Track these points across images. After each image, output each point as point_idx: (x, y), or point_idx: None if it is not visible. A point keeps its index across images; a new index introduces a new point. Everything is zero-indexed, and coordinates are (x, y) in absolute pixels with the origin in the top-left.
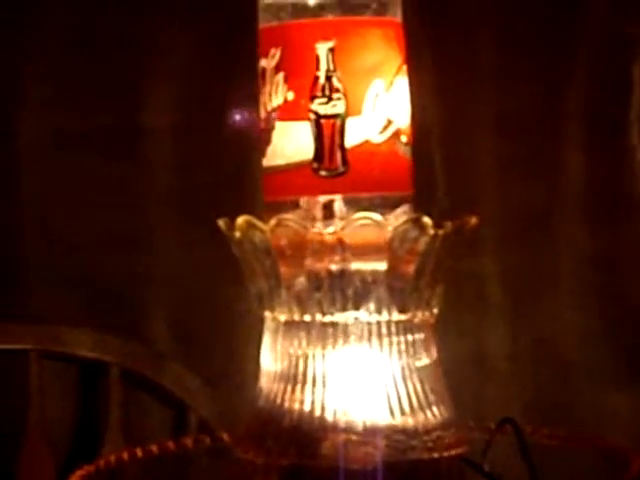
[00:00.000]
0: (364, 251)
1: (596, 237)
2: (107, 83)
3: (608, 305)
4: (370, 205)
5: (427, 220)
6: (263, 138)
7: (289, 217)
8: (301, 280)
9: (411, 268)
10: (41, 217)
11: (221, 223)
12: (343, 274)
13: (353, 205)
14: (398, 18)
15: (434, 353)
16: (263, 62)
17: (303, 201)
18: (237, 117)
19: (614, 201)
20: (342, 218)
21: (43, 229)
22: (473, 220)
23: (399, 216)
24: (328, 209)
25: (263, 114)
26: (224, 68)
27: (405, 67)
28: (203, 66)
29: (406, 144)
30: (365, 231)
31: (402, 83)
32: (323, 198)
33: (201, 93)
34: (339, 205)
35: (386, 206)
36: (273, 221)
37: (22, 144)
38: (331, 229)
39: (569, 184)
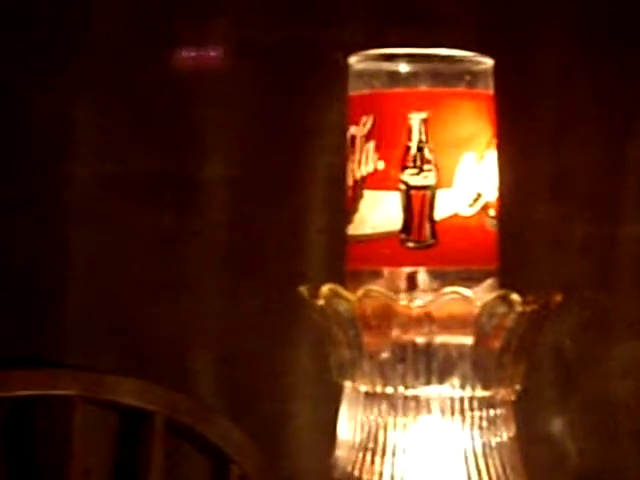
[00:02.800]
0: (450, 325)
1: None
2: (155, 130)
3: None
4: (456, 278)
5: (516, 297)
6: (350, 206)
7: (377, 288)
8: (385, 351)
9: (496, 344)
10: (89, 264)
11: (303, 290)
12: (428, 348)
13: (437, 277)
14: (490, 90)
15: (513, 429)
16: (353, 129)
17: (386, 271)
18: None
19: None
20: (426, 290)
21: (91, 276)
22: (558, 297)
23: (485, 290)
24: (412, 280)
25: (351, 182)
26: (282, 119)
27: (495, 140)
28: (261, 118)
29: (493, 217)
30: (453, 305)
31: (492, 156)
32: (408, 269)
33: (258, 146)
34: (423, 277)
35: (472, 279)
36: (360, 291)
37: (72, 191)
38: (419, 302)
39: (624, 256)
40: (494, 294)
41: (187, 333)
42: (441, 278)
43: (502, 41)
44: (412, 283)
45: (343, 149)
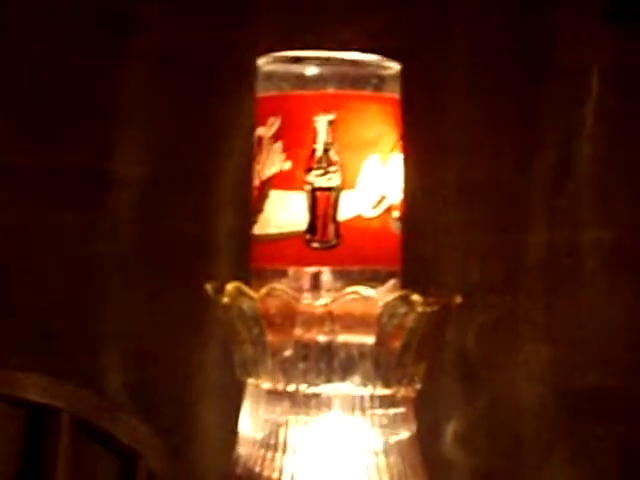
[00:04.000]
0: (352, 324)
1: (553, 310)
2: (64, 126)
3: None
4: (359, 278)
5: (416, 297)
6: (255, 206)
7: (280, 287)
8: (288, 349)
9: (397, 343)
10: None
11: (208, 287)
12: (330, 346)
13: (341, 277)
14: (396, 95)
15: (414, 428)
16: (261, 130)
17: (291, 270)
18: None
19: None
20: (329, 290)
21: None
22: (458, 299)
23: (387, 290)
24: (316, 280)
25: (257, 182)
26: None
27: (400, 143)
28: (171, 118)
29: (397, 219)
30: (355, 305)
31: (397, 159)
32: (312, 269)
33: (168, 146)
34: (327, 276)
35: (374, 280)
36: (264, 290)
37: None
38: (322, 301)
39: (528, 262)
40: (395, 294)
41: (95, 331)
42: (345, 278)
43: (412, 46)
44: (316, 283)
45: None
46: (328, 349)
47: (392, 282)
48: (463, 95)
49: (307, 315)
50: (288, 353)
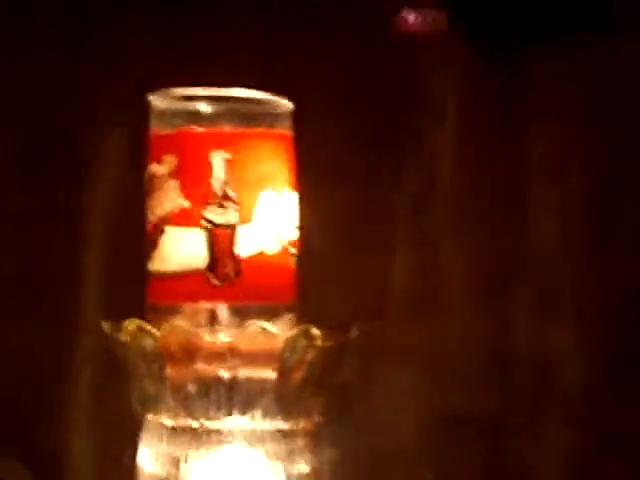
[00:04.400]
0: (254, 359)
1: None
2: None
3: None
4: (256, 313)
5: (316, 332)
6: (150, 242)
7: (181, 324)
8: (189, 385)
9: (298, 377)
10: None
11: (106, 326)
12: (231, 381)
13: (238, 312)
14: (289, 131)
15: (315, 461)
16: (154, 167)
17: (187, 306)
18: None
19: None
20: (226, 325)
21: None
22: (354, 332)
23: (284, 325)
24: (213, 315)
25: (152, 218)
26: None
27: (293, 180)
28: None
29: (293, 255)
30: (257, 340)
31: (291, 195)
32: (208, 305)
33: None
34: (223, 312)
35: (272, 315)
36: (166, 328)
37: None
38: (224, 337)
39: (396, 287)
40: (296, 329)
41: None
42: (241, 313)
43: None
44: (213, 318)
45: (124, 182)
46: (229, 384)
47: (289, 317)
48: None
49: (209, 351)
50: (189, 389)
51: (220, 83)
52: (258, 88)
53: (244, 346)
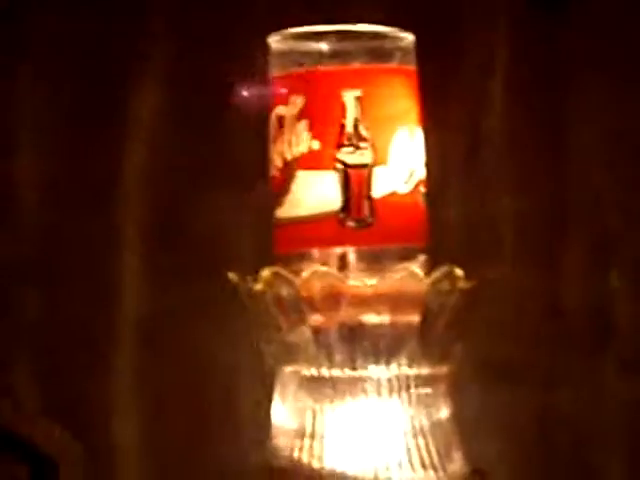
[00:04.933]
0: (398, 304)
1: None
2: None
3: None
4: (389, 257)
5: (459, 272)
6: (280, 188)
7: (324, 269)
8: (332, 333)
9: (441, 321)
10: None
11: (232, 275)
12: (378, 327)
13: (369, 257)
14: (414, 66)
15: (451, 406)
16: (281, 109)
17: (316, 253)
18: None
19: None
20: (358, 270)
21: None
22: (491, 274)
23: (420, 267)
24: (344, 260)
25: (280, 163)
26: None
27: (420, 116)
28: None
29: (424, 194)
30: (401, 283)
31: (420, 133)
32: (339, 250)
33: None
34: (353, 257)
35: (405, 257)
36: (306, 273)
37: None
38: (373, 281)
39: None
40: (439, 271)
41: (6, 344)
42: (373, 257)
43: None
44: (343, 263)
45: (156, 142)
46: (375, 330)
47: (422, 259)
48: None
49: (353, 296)
50: (332, 337)
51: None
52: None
53: (388, 290)
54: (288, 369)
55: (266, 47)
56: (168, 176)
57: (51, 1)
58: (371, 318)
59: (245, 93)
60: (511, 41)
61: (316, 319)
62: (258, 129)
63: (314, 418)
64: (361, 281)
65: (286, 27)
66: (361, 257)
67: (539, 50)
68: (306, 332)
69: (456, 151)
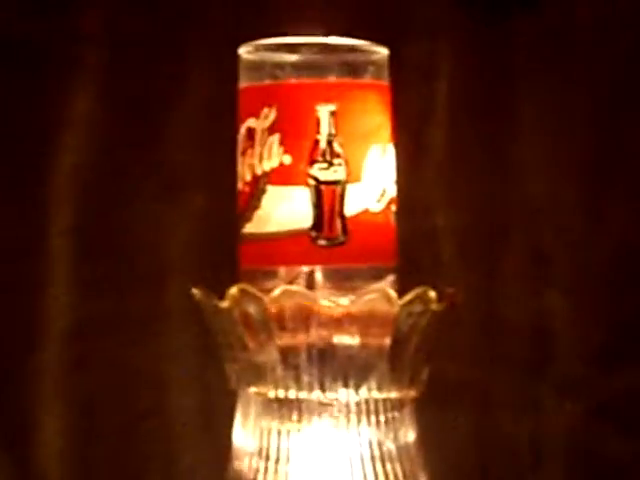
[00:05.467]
0: (368, 325)
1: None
2: None
3: None
4: (358, 276)
5: (433, 294)
6: (248, 203)
7: (295, 288)
8: (300, 355)
9: (411, 344)
10: None
11: (196, 292)
12: (348, 349)
13: (337, 276)
14: (387, 82)
15: (415, 432)
16: (252, 122)
17: (282, 270)
18: None
19: None
20: (324, 289)
21: None
22: (460, 295)
23: (390, 287)
24: (311, 279)
25: (249, 177)
26: None
27: (392, 133)
28: None
29: (394, 213)
30: (372, 304)
31: (392, 149)
32: (306, 268)
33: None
34: (320, 275)
35: (374, 277)
36: (277, 291)
37: None
38: (345, 301)
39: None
40: (412, 292)
41: None
42: (341, 276)
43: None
44: (311, 282)
45: (87, 147)
46: (345, 353)
47: (391, 279)
48: None
49: (324, 316)
50: (301, 358)
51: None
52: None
53: (360, 311)
54: (252, 389)
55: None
56: (100, 182)
57: None
58: (341, 339)
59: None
60: (453, 52)
61: (284, 339)
62: (198, 136)
63: (279, 441)
64: (333, 301)
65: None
66: (329, 276)
67: (482, 62)
68: (274, 352)
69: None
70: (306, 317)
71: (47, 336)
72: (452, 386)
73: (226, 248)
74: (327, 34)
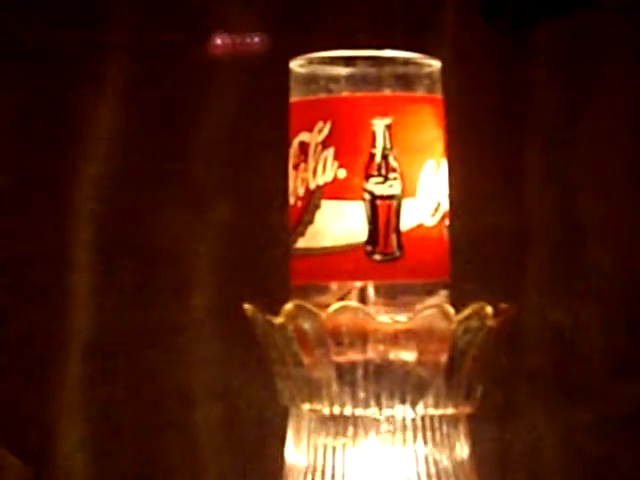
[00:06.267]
0: (425, 342)
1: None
2: None
3: None
4: (411, 292)
5: (490, 310)
6: (301, 218)
7: (353, 304)
8: (358, 370)
9: (468, 360)
10: None
11: (248, 307)
12: (406, 366)
13: (390, 291)
14: (441, 95)
15: (470, 447)
16: (305, 136)
17: (334, 286)
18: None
19: None
20: (376, 304)
21: None
22: (514, 310)
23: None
24: (362, 295)
25: (302, 191)
26: None
27: (445, 147)
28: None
29: (448, 227)
30: (429, 321)
31: (445, 164)
32: (359, 283)
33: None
34: (372, 291)
35: (427, 293)
36: (335, 307)
37: None
38: (402, 318)
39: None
40: (469, 308)
41: None
42: (394, 292)
43: None
44: (363, 297)
45: (112, 158)
46: (402, 369)
47: (444, 294)
48: None
49: (379, 333)
50: (357, 375)
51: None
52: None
53: (417, 327)
54: (306, 406)
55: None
56: (123, 192)
57: None
58: (398, 355)
59: None
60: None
61: (340, 355)
62: (220, 148)
63: (334, 458)
64: (391, 318)
65: None
66: (381, 291)
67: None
68: (329, 368)
69: None
70: (362, 333)
71: (70, 347)
72: None
73: (252, 260)
74: (381, 47)
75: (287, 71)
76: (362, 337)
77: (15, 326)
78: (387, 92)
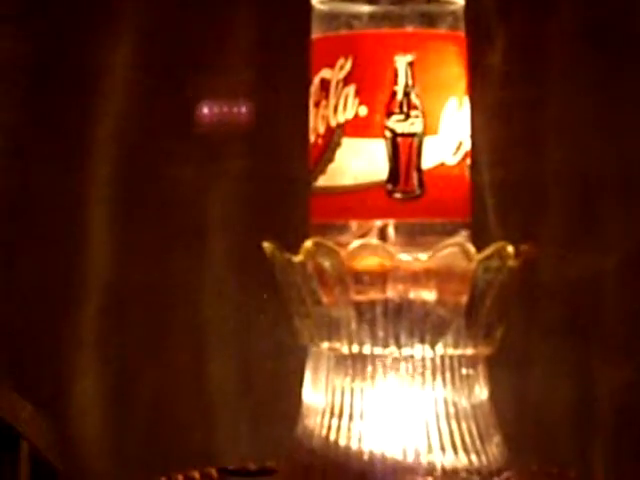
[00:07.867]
0: (445, 281)
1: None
2: None
3: None
4: (431, 232)
5: (511, 250)
6: (321, 156)
7: (372, 241)
8: (377, 309)
9: (488, 300)
10: None
11: (267, 245)
12: (426, 305)
13: (410, 231)
14: (463, 33)
15: (489, 389)
16: (326, 73)
17: (354, 225)
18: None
19: None
20: (396, 244)
21: None
22: (535, 251)
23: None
24: (382, 234)
25: (322, 129)
26: None
27: (468, 86)
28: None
29: (470, 167)
30: (450, 260)
31: (467, 102)
32: (379, 222)
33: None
34: (392, 230)
35: (447, 233)
36: (354, 245)
37: None
38: (424, 256)
39: None
40: (491, 248)
41: None
42: (413, 231)
43: None
44: (383, 236)
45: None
46: (422, 308)
47: (464, 234)
48: None
49: (400, 272)
50: (376, 313)
51: None
52: None
53: (437, 266)
54: (325, 345)
55: None
56: (139, 144)
57: None
58: (418, 295)
59: None
60: None
61: (360, 294)
62: (230, 97)
63: (352, 398)
64: (412, 256)
65: None
66: (402, 230)
67: None
68: (349, 307)
69: None
70: (382, 272)
71: (86, 298)
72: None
73: (268, 207)
74: None
75: (309, 8)
76: (382, 275)
77: (29, 273)
78: (409, 29)
